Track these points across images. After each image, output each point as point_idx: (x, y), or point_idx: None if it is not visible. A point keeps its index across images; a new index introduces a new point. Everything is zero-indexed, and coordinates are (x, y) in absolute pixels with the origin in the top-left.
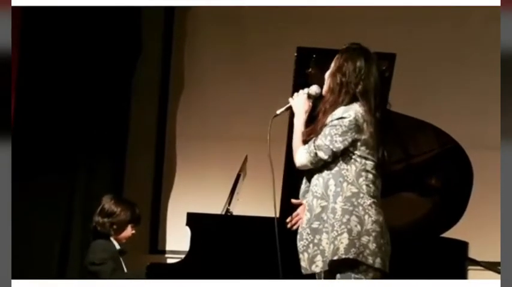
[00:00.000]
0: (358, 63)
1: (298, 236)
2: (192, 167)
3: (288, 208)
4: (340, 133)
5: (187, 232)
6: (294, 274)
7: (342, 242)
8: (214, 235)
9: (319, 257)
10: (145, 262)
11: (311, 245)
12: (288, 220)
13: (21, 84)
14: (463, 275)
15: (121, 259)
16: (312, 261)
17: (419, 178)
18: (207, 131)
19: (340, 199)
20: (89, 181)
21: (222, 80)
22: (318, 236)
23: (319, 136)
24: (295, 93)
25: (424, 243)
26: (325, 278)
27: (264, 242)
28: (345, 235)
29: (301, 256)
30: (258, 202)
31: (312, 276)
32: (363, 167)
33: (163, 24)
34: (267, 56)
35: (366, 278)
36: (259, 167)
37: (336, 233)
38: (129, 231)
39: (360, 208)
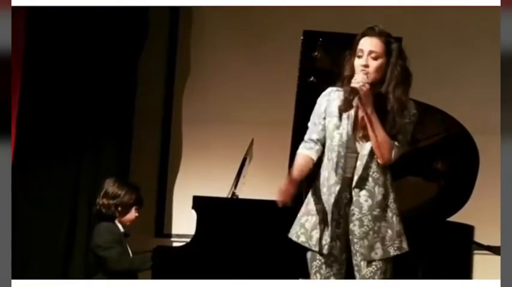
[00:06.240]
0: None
1: (357, 222)
2: (198, 151)
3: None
4: (412, 129)
5: (193, 215)
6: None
7: (404, 236)
8: (220, 219)
9: (378, 245)
10: (151, 245)
11: (371, 232)
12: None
13: (28, 67)
14: (468, 259)
15: (126, 242)
16: (371, 248)
17: (425, 162)
18: (213, 115)
19: (394, 188)
20: (95, 165)
21: (228, 64)
22: (378, 224)
23: (404, 132)
24: None
25: (430, 227)
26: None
27: (269, 226)
28: (403, 229)
29: (360, 242)
30: (263, 186)
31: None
32: None
33: (170, 10)
34: (273, 40)
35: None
36: (265, 151)
37: (399, 228)
38: (133, 214)
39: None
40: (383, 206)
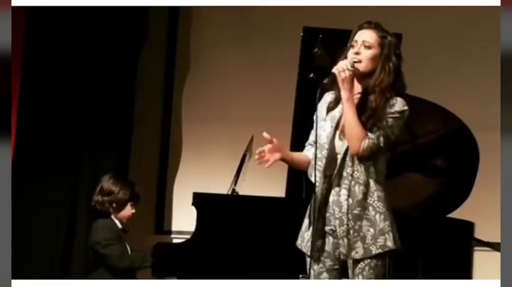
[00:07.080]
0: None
1: (337, 221)
2: (198, 147)
3: (294, 188)
4: (399, 126)
5: (193, 212)
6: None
7: (389, 234)
8: (220, 215)
9: (359, 244)
10: (151, 242)
11: (351, 231)
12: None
13: (28, 66)
14: (468, 256)
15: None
16: (351, 247)
17: (425, 159)
18: (213, 112)
19: (378, 186)
20: (95, 164)
21: (227, 63)
22: (358, 223)
23: (382, 126)
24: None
25: (430, 223)
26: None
27: (269, 222)
28: (389, 227)
29: (340, 241)
30: (263, 182)
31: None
32: (386, 155)
33: (170, 9)
34: (272, 40)
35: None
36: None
37: (383, 226)
38: (128, 210)
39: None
40: (364, 204)
